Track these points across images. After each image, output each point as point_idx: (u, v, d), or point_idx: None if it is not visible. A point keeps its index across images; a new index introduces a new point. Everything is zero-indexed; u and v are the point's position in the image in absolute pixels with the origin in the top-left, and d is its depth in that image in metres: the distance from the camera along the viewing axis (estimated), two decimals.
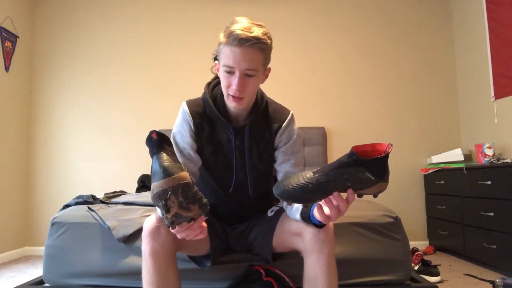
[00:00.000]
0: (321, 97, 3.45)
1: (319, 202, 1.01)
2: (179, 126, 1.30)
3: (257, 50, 1.13)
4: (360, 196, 0.96)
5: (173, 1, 3.55)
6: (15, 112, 3.26)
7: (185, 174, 0.93)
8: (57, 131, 3.46)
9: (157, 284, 1.12)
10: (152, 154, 0.99)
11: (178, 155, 1.26)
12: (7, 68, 3.15)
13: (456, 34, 3.44)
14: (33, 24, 3.54)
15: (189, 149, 1.27)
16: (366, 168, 0.89)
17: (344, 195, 0.97)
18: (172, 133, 1.31)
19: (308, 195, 0.94)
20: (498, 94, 2.84)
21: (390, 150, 0.89)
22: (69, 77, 3.50)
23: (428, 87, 3.43)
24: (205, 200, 0.96)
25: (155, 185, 0.92)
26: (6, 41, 3.14)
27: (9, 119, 3.19)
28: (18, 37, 3.29)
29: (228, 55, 1.13)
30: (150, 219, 1.17)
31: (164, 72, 3.49)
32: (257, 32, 1.12)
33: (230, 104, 1.20)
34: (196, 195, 0.94)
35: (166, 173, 0.92)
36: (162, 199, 0.90)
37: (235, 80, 1.14)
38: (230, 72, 1.15)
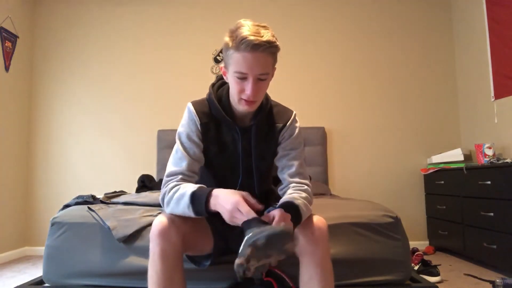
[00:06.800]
0: (321, 97, 3.44)
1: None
2: (185, 125, 1.29)
3: (268, 54, 1.13)
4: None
5: (174, 1, 3.55)
6: (15, 112, 3.26)
7: None
8: (57, 131, 3.45)
9: (164, 285, 1.11)
10: None
11: (183, 155, 1.25)
12: (7, 68, 3.15)
13: (456, 34, 3.44)
14: (33, 24, 3.53)
15: (195, 149, 1.27)
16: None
17: None
18: (177, 132, 1.30)
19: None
20: (498, 94, 2.84)
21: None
22: (69, 77, 3.50)
23: (428, 87, 3.43)
24: None
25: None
26: (6, 41, 3.14)
27: (9, 119, 3.18)
28: (18, 37, 3.29)
29: (240, 61, 1.12)
30: (159, 219, 1.15)
31: (165, 72, 3.49)
32: (266, 35, 1.11)
33: (242, 107, 1.20)
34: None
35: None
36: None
37: (248, 86, 1.14)
38: (243, 78, 1.15)
